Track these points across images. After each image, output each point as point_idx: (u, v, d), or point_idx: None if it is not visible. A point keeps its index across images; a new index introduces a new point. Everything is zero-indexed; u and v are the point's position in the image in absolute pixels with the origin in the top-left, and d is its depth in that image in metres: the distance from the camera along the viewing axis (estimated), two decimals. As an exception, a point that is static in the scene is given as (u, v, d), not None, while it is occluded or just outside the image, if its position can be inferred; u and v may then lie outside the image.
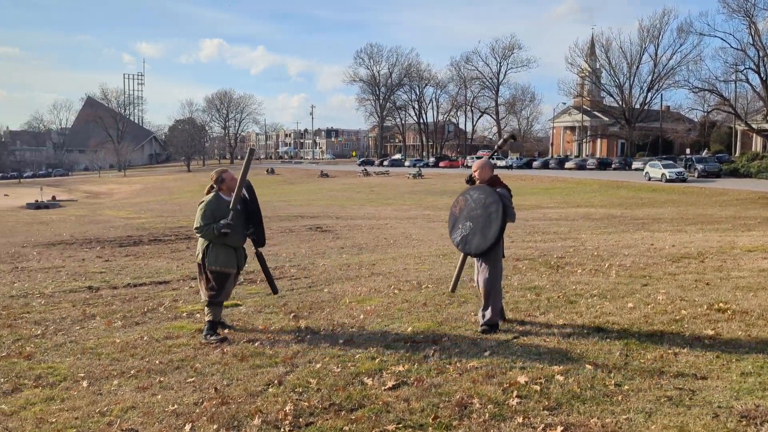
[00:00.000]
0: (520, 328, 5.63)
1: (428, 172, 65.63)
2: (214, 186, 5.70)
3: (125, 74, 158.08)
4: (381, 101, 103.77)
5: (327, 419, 3.55)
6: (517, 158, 79.77)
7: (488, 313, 5.55)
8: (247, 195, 5.71)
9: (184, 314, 6.48)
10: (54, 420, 3.66)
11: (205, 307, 5.60)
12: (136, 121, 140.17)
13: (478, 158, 63.62)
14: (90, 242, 16.04)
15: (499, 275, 5.68)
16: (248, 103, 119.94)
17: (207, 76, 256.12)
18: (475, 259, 5.78)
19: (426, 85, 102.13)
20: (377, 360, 4.69)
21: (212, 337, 5.42)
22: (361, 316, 6.16)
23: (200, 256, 5.57)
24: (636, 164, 60.18)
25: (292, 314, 6.35)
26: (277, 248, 14.66)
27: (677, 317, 5.91)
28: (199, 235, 5.56)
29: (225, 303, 5.91)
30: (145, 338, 5.39)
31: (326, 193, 49.57)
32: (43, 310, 6.88)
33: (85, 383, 4.20)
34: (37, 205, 46.86)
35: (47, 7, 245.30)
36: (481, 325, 5.53)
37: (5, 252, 14.20)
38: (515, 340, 5.27)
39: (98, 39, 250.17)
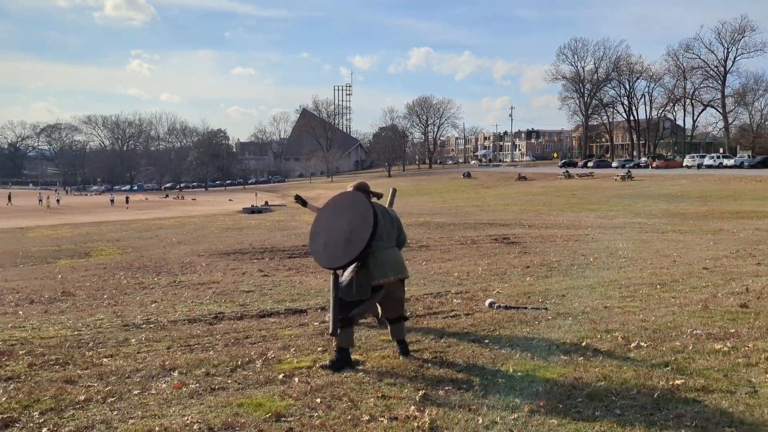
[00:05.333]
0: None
1: (639, 173, 58.91)
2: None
3: (335, 86, 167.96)
4: (585, 99, 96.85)
5: None
6: (748, 156, 68.55)
7: None
8: None
9: (281, 375, 4.73)
10: None
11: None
12: (344, 129, 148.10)
13: (700, 156, 56.08)
14: (263, 252, 15.48)
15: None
16: (447, 108, 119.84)
17: (413, 84, 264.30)
18: None
19: (637, 78, 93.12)
20: None
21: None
22: (525, 409, 3.86)
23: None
24: None
25: (421, 392, 4.24)
26: (450, 264, 12.65)
27: None
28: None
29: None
30: (195, 427, 3.70)
31: (522, 198, 46.46)
32: (132, 352, 5.62)
33: None
34: (252, 210, 50.29)
35: (277, 31, 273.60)
36: None
37: (179, 261, 14.04)
38: None
39: (317, 56, 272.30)
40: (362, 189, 5.43)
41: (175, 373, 4.85)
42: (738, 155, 70.74)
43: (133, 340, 6.09)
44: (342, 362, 4.91)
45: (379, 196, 5.58)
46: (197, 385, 4.55)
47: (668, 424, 3.56)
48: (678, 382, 4.25)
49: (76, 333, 6.56)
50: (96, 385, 4.61)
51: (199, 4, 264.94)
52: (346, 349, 5.02)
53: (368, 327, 6.36)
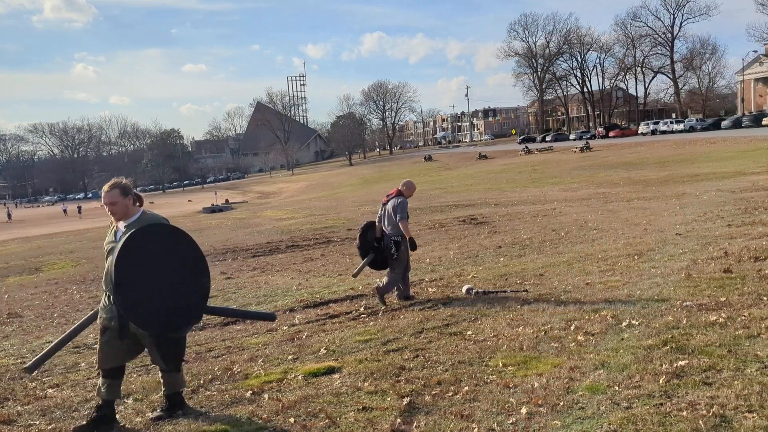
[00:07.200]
0: None
1: (597, 144, 59.58)
2: None
3: (288, 77, 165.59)
4: (539, 74, 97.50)
5: None
6: (698, 119, 69.89)
7: None
8: None
9: (249, 393, 4.26)
10: None
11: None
12: (301, 120, 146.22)
13: (654, 123, 56.54)
14: (225, 253, 14.86)
15: None
16: (403, 92, 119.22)
17: (368, 70, 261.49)
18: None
19: (588, 50, 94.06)
20: None
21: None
22: (523, 411, 3.48)
23: None
24: None
25: (406, 400, 3.82)
26: (420, 250, 12.25)
27: None
28: None
29: None
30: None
31: (485, 177, 46.39)
32: (81, 379, 5.04)
33: None
34: (212, 209, 49.14)
35: (225, 24, 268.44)
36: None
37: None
38: None
39: (269, 48, 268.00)
40: (124, 189, 4.23)
41: (130, 401, 4.33)
42: (687, 119, 72.06)
43: (83, 364, 5.53)
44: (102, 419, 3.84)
45: (141, 200, 4.36)
46: (155, 413, 4.04)
47: (683, 415, 3.20)
48: (682, 363, 3.92)
49: (19, 361, 5.95)
50: (38, 423, 4.06)
51: (142, 2, 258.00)
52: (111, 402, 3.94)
53: (342, 329, 5.91)
